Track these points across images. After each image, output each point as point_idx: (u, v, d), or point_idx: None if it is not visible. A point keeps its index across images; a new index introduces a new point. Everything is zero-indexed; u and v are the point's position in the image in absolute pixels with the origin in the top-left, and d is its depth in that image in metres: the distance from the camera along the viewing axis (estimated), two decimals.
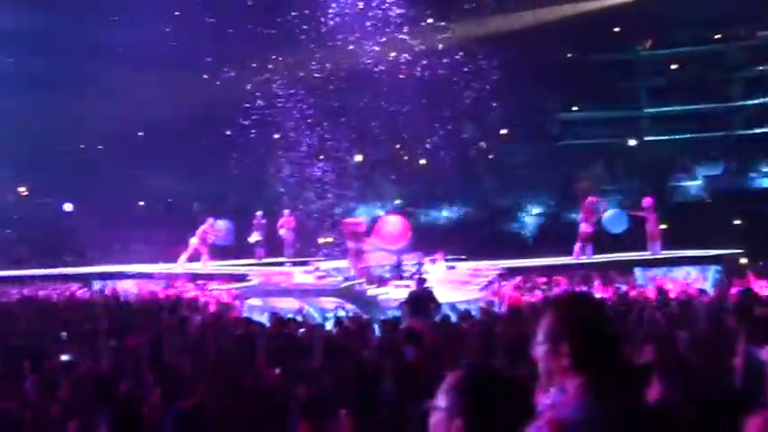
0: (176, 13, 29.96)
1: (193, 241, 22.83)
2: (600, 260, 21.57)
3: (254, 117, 31.06)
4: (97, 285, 21.49)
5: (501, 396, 2.54)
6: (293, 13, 30.21)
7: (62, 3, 30.05)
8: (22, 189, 32.96)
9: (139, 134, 32.75)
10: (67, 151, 31.73)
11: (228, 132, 31.73)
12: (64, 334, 11.47)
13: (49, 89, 29.47)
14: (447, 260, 21.17)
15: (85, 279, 22.25)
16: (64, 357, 8.83)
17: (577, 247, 21.76)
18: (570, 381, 2.67)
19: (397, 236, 21.85)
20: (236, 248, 24.89)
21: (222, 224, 23.49)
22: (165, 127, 30.30)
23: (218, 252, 23.95)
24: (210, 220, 23.36)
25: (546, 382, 2.73)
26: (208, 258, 23.05)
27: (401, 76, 31.47)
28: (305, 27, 30.64)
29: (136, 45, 29.18)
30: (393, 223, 23.11)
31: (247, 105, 31.24)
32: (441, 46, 31.48)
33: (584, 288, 18.26)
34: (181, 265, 22.65)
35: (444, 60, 31.50)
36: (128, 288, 20.50)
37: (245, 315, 14.98)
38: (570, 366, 2.68)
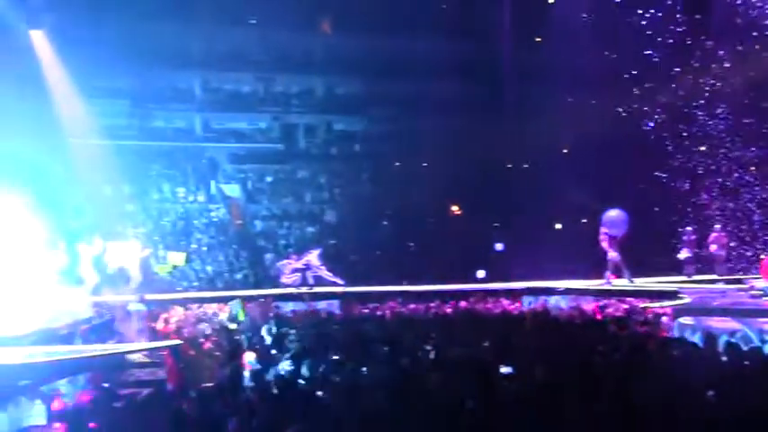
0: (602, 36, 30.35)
1: (611, 255, 22.66)
2: None
3: (685, 134, 30.31)
4: (528, 301, 22.20)
5: None
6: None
7: (493, 32, 32.28)
8: (455, 208, 35.04)
9: (564, 151, 33.32)
10: (497, 171, 33.31)
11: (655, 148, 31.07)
12: (486, 343, 11.92)
13: (485, 112, 31.57)
14: None
15: (516, 294, 23.01)
16: (504, 369, 9.16)
17: None
18: None
19: None
20: (665, 265, 24.32)
21: (614, 213, 22.86)
22: (589, 144, 30.45)
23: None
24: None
25: None
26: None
27: None
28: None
29: (561, 65, 29.98)
30: None
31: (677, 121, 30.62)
32: None
33: None
34: (608, 281, 22.59)
35: None
36: (557, 304, 20.94)
37: (676, 334, 14.52)
38: None
